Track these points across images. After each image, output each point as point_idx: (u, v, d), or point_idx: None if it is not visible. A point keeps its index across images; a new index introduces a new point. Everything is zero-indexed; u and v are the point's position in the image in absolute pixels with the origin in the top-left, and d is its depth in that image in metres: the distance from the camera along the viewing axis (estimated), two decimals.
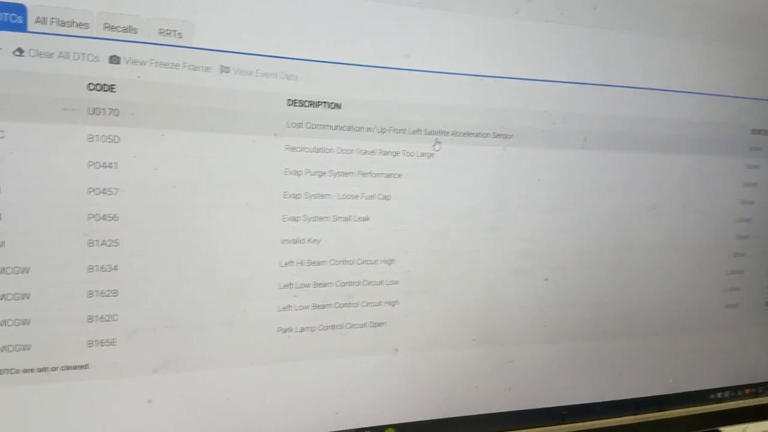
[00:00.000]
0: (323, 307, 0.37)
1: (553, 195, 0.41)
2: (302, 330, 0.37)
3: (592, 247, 0.43)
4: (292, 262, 0.36)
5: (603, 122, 0.41)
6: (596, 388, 0.46)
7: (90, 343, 0.33)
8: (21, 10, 0.29)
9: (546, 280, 0.42)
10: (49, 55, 0.29)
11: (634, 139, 0.43)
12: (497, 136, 0.39)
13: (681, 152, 0.44)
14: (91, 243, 0.32)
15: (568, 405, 0.45)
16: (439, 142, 0.37)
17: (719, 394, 0.50)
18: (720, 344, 0.49)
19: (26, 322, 0.31)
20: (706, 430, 0.50)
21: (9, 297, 0.31)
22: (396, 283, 0.39)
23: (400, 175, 0.37)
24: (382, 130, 0.37)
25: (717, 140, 0.45)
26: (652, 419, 0.47)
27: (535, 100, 0.39)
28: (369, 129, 0.36)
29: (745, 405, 0.51)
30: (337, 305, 0.38)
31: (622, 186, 0.43)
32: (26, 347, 0.32)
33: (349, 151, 0.36)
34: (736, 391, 0.50)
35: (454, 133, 0.38)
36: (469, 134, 0.38)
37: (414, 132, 0.37)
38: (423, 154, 0.38)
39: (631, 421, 0.47)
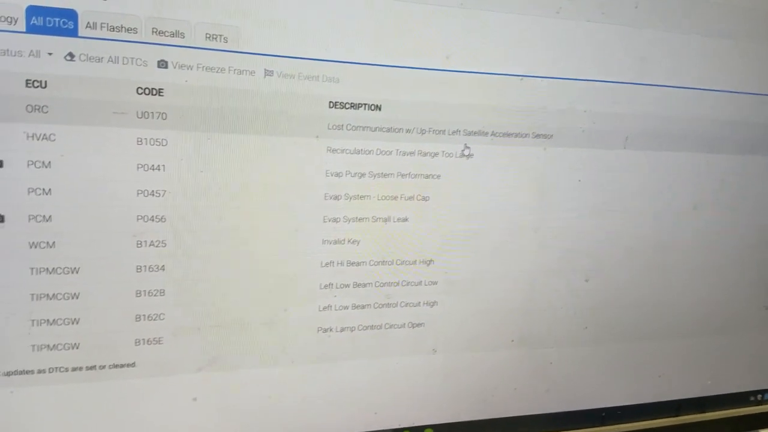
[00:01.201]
0: (363, 307, 0.38)
1: (594, 195, 0.41)
2: (342, 330, 0.37)
3: (633, 247, 0.43)
4: (332, 262, 0.36)
5: (644, 121, 0.41)
6: (636, 390, 0.45)
7: (137, 342, 0.33)
8: (72, 15, 0.29)
9: (586, 281, 0.42)
10: (99, 60, 0.30)
11: (675, 139, 0.42)
12: (537, 136, 0.39)
13: (722, 152, 0.44)
14: (139, 244, 0.32)
15: (608, 407, 0.45)
16: (468, 147, 0.37)
17: (759, 396, 0.49)
18: (760, 345, 0.48)
19: (76, 321, 0.32)
20: None
21: (59, 297, 0.32)
22: (435, 283, 0.39)
23: (438, 176, 0.37)
24: (422, 132, 0.37)
25: (759, 140, 0.44)
26: (692, 421, 0.47)
27: (576, 99, 0.39)
28: (408, 130, 0.36)
29: None
30: (376, 305, 0.38)
31: (663, 186, 0.43)
32: (75, 346, 0.32)
33: (388, 153, 0.36)
34: None
35: (493, 134, 0.38)
36: (508, 134, 0.38)
37: (453, 133, 0.37)
38: (462, 155, 0.38)
39: (672, 423, 0.46)
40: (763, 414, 0.49)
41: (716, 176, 0.44)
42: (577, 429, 0.44)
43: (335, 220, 0.36)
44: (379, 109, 0.35)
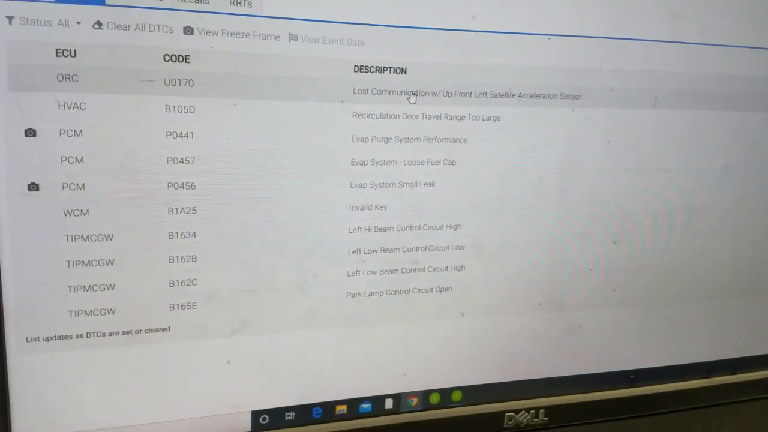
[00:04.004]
0: (390, 272, 0.38)
1: (623, 156, 0.40)
2: (370, 294, 0.38)
3: (662, 209, 0.42)
4: (360, 228, 0.36)
5: (674, 80, 0.40)
6: (665, 352, 0.45)
7: (172, 307, 0.34)
8: None
9: (615, 243, 0.42)
10: (126, 28, 0.30)
11: (706, 98, 0.41)
12: (566, 97, 0.38)
13: (753, 110, 0.43)
14: (171, 211, 0.33)
15: (636, 368, 0.45)
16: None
17: None
18: None
19: (111, 287, 0.33)
20: None
21: (94, 263, 0.32)
22: (462, 248, 0.39)
23: (465, 140, 0.37)
24: (448, 94, 0.36)
25: None
26: (723, 383, 0.47)
27: (605, 59, 0.38)
28: (435, 93, 0.36)
29: None
30: (403, 270, 0.38)
31: (693, 146, 0.42)
32: (111, 311, 0.33)
33: (414, 117, 0.36)
34: None
35: (521, 95, 0.37)
36: (536, 96, 0.38)
37: (480, 95, 0.37)
38: (489, 118, 0.37)
39: (702, 384, 0.46)
40: None
41: (747, 135, 0.43)
42: (606, 390, 0.44)
43: (362, 186, 0.36)
44: (405, 72, 0.35)
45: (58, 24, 0.29)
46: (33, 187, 0.30)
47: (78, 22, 0.29)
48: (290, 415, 0.38)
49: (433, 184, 0.37)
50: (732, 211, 0.44)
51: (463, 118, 0.37)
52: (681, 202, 0.42)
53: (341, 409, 0.39)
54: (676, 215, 0.43)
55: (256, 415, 0.37)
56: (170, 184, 0.32)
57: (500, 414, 0.42)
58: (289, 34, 0.33)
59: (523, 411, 0.42)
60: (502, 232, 0.39)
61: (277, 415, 0.38)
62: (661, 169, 0.41)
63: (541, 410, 0.43)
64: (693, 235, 0.43)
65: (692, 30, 0.40)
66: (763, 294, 0.47)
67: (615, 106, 0.39)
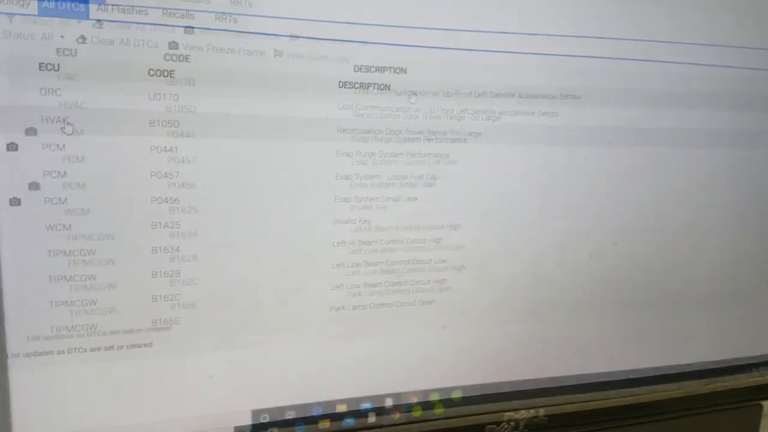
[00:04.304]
0: (374, 285, 0.38)
1: (598, 173, 0.41)
2: (354, 308, 0.38)
3: (641, 221, 0.43)
4: (344, 242, 0.37)
5: (651, 98, 0.41)
6: (646, 358, 0.46)
7: (154, 322, 0.34)
8: None
9: (591, 257, 0.42)
10: (111, 42, 0.30)
11: (681, 116, 0.42)
12: (544, 114, 0.39)
13: (729, 127, 0.44)
14: (154, 226, 0.33)
15: (616, 373, 0.46)
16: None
17: (762, 368, 0.50)
18: (765, 318, 0.49)
19: (93, 302, 0.32)
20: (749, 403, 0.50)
21: (76, 278, 0.32)
22: (444, 261, 0.39)
23: (448, 155, 0.38)
24: (431, 111, 0.37)
25: (762, 115, 0.45)
26: (699, 392, 0.48)
27: (582, 77, 0.39)
28: (418, 110, 0.36)
29: None
30: (387, 284, 0.38)
31: (669, 162, 0.43)
32: (93, 327, 0.33)
33: (398, 132, 0.36)
34: None
35: (501, 112, 0.38)
36: (516, 113, 0.38)
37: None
38: (470, 134, 0.38)
39: (677, 394, 0.47)
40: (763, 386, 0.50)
41: (727, 147, 0.44)
42: (585, 398, 0.45)
43: (346, 200, 0.36)
44: (388, 89, 0.36)
45: (42, 38, 0.29)
46: (15, 201, 0.30)
47: (62, 36, 0.29)
48: (273, 431, 0.38)
49: (416, 199, 0.38)
50: (708, 226, 0.45)
51: (445, 134, 0.37)
52: (658, 217, 0.43)
53: (324, 423, 0.39)
54: (656, 227, 0.44)
55: (238, 431, 0.37)
56: (153, 199, 0.32)
57: (481, 427, 0.42)
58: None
59: (504, 423, 0.43)
60: (483, 246, 0.40)
61: (260, 430, 0.38)
62: (637, 186, 0.42)
63: (521, 422, 0.43)
64: (672, 245, 0.44)
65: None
66: (743, 303, 0.48)
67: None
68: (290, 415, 0.38)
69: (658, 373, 0.47)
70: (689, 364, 0.47)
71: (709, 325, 0.47)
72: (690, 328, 0.47)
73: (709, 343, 0.48)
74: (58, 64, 0.29)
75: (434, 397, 0.41)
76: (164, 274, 0.33)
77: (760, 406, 0.51)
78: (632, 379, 0.46)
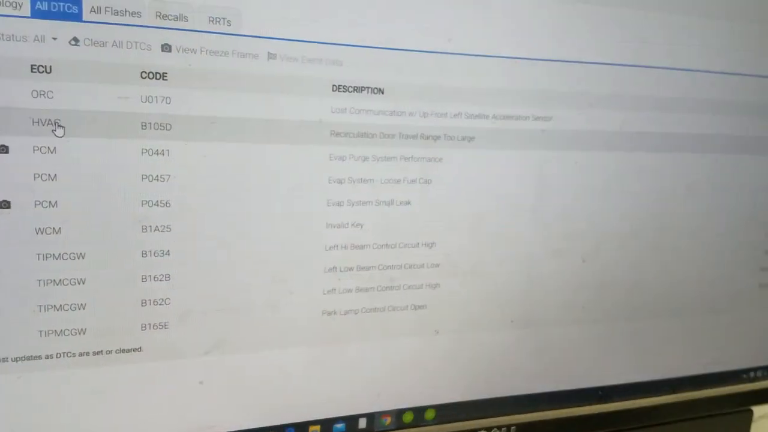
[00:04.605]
0: (366, 290, 0.38)
1: (590, 177, 0.41)
2: (346, 313, 0.38)
3: (629, 228, 0.43)
4: (336, 246, 0.37)
5: (640, 103, 0.41)
6: (633, 368, 0.46)
7: (143, 327, 0.33)
8: (76, 0, 0.29)
9: (583, 261, 0.42)
10: (103, 44, 0.30)
11: (671, 120, 0.43)
12: (537, 118, 0.39)
13: (715, 132, 0.44)
14: (144, 229, 0.32)
15: (605, 385, 0.46)
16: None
17: (753, 374, 0.50)
18: (755, 324, 0.49)
19: (82, 306, 0.32)
20: (740, 409, 0.50)
21: (66, 282, 0.32)
22: (437, 266, 0.39)
23: (441, 159, 0.38)
24: (424, 115, 0.37)
25: (747, 119, 0.45)
26: (688, 399, 0.48)
27: (575, 81, 0.39)
28: (411, 113, 0.36)
29: None
30: (379, 288, 0.38)
31: (658, 167, 0.43)
32: (82, 331, 0.32)
33: (391, 136, 0.36)
34: None
35: (494, 116, 0.38)
36: (509, 117, 0.38)
37: (455, 116, 0.37)
38: (464, 138, 0.38)
39: (668, 400, 0.47)
40: (761, 390, 0.50)
41: (709, 156, 0.45)
42: (576, 407, 0.45)
43: (339, 204, 0.36)
44: (382, 93, 0.36)
45: (34, 39, 0.29)
46: (4, 204, 0.30)
47: (54, 38, 0.29)
48: None
49: (409, 203, 0.38)
50: (697, 230, 0.46)
51: (438, 138, 0.37)
52: (647, 220, 0.44)
53: (314, 429, 0.39)
54: (642, 234, 0.44)
55: None
56: (144, 202, 0.32)
57: None
58: (268, 52, 0.33)
59: (495, 428, 0.43)
60: (476, 250, 0.40)
61: None
62: (627, 190, 0.43)
63: (512, 427, 0.43)
64: (659, 253, 0.45)
65: (655, 55, 0.41)
66: (727, 311, 0.48)
67: (583, 128, 0.40)
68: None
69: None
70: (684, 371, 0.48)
71: (704, 329, 0.48)
72: (688, 330, 0.47)
73: (699, 350, 0.48)
74: (50, 66, 0.29)
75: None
76: (154, 278, 0.33)
77: (751, 412, 0.51)
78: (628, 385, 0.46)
